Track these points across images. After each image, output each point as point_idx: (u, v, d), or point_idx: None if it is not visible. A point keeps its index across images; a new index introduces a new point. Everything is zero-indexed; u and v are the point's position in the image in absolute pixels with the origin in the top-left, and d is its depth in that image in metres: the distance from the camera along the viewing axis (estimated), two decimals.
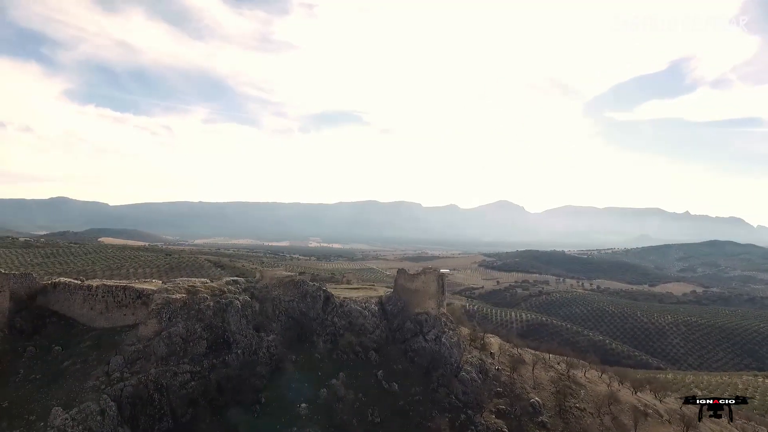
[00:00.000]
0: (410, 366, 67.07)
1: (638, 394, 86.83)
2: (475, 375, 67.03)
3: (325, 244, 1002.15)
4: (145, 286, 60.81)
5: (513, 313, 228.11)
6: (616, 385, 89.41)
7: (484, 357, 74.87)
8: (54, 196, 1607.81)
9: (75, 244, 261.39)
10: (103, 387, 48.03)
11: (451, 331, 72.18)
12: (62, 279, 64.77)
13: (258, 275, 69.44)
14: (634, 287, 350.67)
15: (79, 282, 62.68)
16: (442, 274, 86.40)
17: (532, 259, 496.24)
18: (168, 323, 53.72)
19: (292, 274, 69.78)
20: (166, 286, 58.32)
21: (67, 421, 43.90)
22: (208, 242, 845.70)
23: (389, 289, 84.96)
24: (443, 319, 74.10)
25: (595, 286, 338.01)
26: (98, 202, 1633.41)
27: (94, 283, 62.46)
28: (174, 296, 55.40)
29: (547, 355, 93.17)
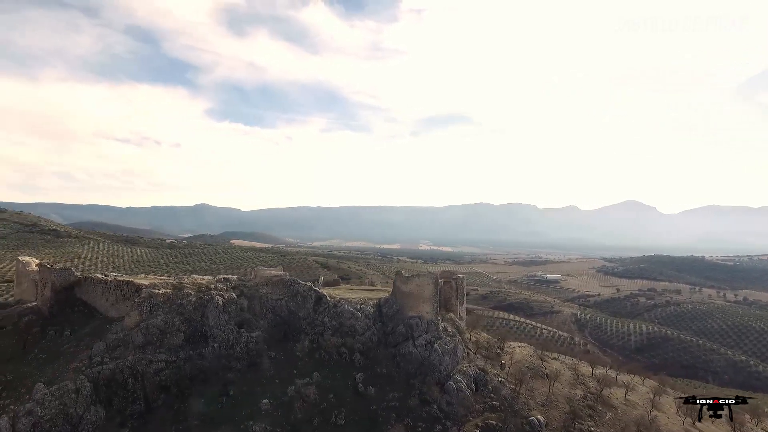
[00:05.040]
0: (396, 371, 64.75)
1: (698, 423, 73.75)
2: (464, 385, 62.43)
3: (435, 247, 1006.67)
4: (142, 281, 67.13)
5: (631, 325, 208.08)
6: (672, 409, 77.05)
7: (488, 367, 69.40)
8: (197, 203, 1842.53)
9: (209, 245, 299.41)
10: (83, 369, 54.18)
11: (448, 338, 68.12)
12: (89, 274, 74.33)
13: (252, 274, 72.57)
14: None
15: (102, 276, 71.32)
16: (458, 278, 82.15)
17: (661, 264, 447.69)
18: (148, 315, 58.88)
19: (282, 273, 71.62)
20: (155, 281, 63.92)
21: (46, 396, 50.42)
22: (324, 244, 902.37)
23: None
24: (443, 324, 70.30)
25: (740, 298, 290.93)
26: (232, 208, 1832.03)
27: (110, 277, 70.60)
28: (158, 291, 60.53)
29: (588, 369, 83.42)
